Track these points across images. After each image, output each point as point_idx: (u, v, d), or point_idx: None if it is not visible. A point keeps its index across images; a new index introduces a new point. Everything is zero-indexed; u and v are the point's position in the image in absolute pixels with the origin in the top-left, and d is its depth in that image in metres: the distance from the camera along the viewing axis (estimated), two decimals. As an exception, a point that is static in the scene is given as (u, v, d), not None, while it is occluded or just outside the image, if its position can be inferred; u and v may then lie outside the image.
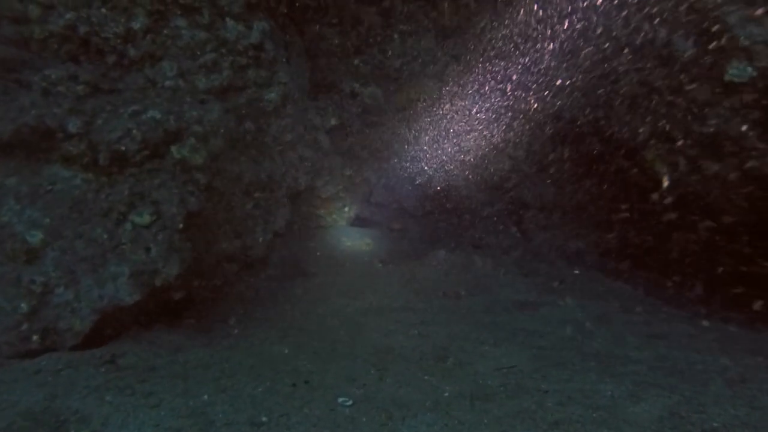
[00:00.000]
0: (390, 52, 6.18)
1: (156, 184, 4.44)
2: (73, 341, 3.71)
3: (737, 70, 5.02)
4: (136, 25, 4.25)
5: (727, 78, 5.06)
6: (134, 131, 4.17)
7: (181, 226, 4.45)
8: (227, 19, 5.00)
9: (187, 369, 3.64)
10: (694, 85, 5.29)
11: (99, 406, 2.95)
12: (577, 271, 6.21)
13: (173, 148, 4.57)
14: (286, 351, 4.08)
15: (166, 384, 3.33)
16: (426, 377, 3.63)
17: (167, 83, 4.55)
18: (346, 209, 6.65)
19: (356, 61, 6.15)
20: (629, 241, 6.33)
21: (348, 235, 6.53)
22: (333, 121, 6.19)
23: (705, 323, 4.98)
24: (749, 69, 4.88)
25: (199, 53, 4.81)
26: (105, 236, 3.98)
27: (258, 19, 5.27)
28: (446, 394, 3.36)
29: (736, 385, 3.40)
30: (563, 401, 3.28)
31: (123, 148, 4.12)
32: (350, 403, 3.19)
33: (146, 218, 4.21)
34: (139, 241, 4.11)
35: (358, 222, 6.70)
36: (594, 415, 3.09)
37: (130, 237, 4.07)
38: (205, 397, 3.22)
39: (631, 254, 6.29)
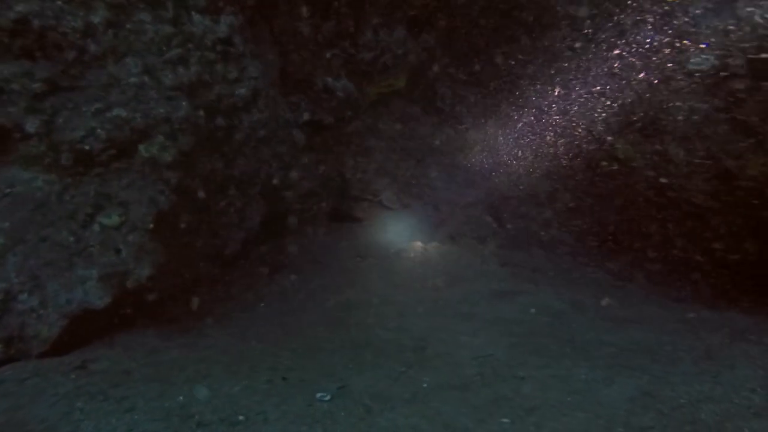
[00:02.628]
0: (362, 45, 6.13)
1: (124, 183, 4.32)
2: (41, 348, 3.59)
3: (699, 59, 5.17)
4: (96, 19, 4.09)
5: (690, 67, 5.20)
6: (98, 130, 4.04)
7: (151, 226, 4.35)
8: (193, 13, 4.88)
9: (162, 371, 3.58)
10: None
11: (68, 414, 2.87)
12: (553, 259, 6.31)
13: (141, 147, 4.44)
14: (264, 348, 4.05)
15: (140, 387, 3.26)
16: (404, 369, 3.64)
17: (132, 80, 4.41)
18: (323, 204, 6.61)
19: (328, 55, 6.08)
20: (603, 230, 6.46)
21: (325, 230, 6.50)
22: (306, 116, 6.12)
23: (674, 305, 5.13)
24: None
25: (164, 49, 4.67)
26: (71, 239, 3.86)
27: (225, 12, 5.16)
28: (425, 386, 3.38)
29: (702, 363, 3.53)
30: (540, 387, 3.34)
31: (87, 147, 4.00)
32: (328, 398, 3.18)
33: (115, 219, 4.10)
34: (108, 243, 4.00)
35: (335, 217, 6.66)
36: (569, 399, 3.15)
37: (98, 239, 3.95)
38: (181, 398, 3.17)
39: (605, 242, 6.43)
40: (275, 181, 6.10)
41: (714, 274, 5.44)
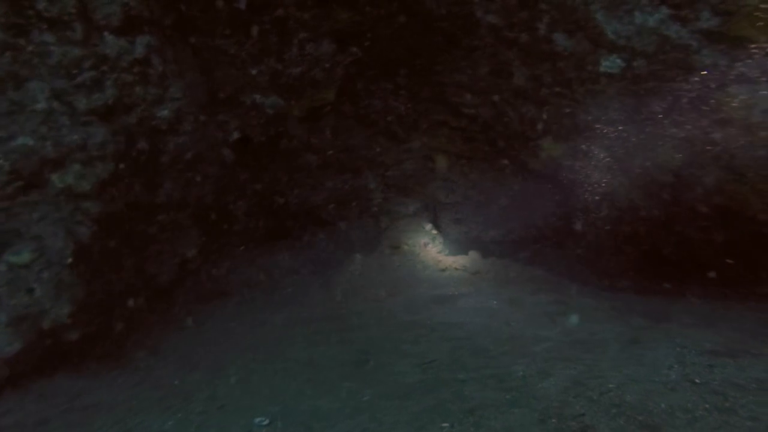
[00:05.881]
0: (288, 60, 6.09)
1: (36, 217, 4.04)
2: (-58, 405, 3.27)
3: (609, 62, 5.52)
4: (-13, 41, 3.84)
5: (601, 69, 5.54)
6: (0, 161, 3.76)
7: (70, 260, 4.09)
8: (105, 33, 4.67)
9: (86, 415, 3.34)
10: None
11: (-28, 476, 2.61)
12: (492, 261, 6.47)
13: (54, 177, 4.20)
14: (200, 377, 3.87)
15: (58, 436, 3.02)
16: (346, 384, 3.59)
17: (39, 106, 4.15)
18: (260, 223, 6.46)
19: (254, 71, 5.99)
20: (537, 228, 6.71)
21: (264, 249, 6.35)
22: (236, 135, 5.97)
23: (605, 294, 5.39)
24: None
25: (75, 72, 4.45)
26: (-27, 282, 3.56)
27: (141, 33, 4.97)
28: (366, 398, 3.35)
29: (629, 347, 3.71)
30: (479, 388, 3.38)
31: (-12, 180, 3.71)
32: (267, 422, 3.08)
33: (25, 256, 3.82)
34: (18, 283, 3.71)
35: (273, 235, 6.53)
36: (507, 396, 3.22)
37: (5, 279, 3.66)
38: (107, 442, 2.97)
39: (539, 240, 6.67)
40: (208, 204, 5.91)
41: (639, 264, 5.76)
